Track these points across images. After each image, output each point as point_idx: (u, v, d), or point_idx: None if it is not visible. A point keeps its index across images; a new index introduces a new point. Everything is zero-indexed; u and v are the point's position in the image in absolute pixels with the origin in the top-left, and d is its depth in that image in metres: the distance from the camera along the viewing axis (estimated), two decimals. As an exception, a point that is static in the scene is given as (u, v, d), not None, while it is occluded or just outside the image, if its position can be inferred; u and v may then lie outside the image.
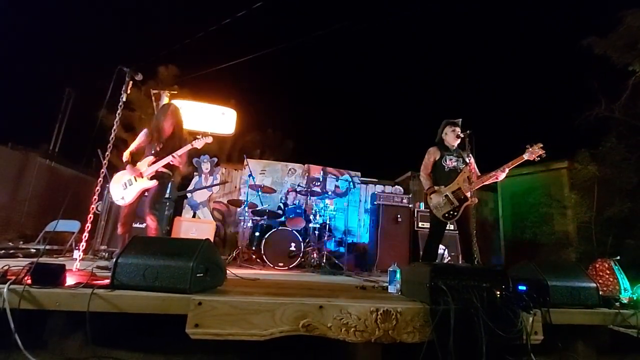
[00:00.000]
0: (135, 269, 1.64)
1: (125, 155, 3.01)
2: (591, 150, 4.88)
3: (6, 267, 1.65)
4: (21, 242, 4.23)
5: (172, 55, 7.98)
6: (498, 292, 1.76)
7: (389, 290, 2.34)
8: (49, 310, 1.50)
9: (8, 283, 1.48)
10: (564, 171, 5.11)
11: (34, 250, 3.59)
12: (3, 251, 3.30)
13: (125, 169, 2.96)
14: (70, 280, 1.68)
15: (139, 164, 3.00)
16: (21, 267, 1.61)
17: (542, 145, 2.96)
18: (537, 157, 2.95)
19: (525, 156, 2.97)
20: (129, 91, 2.87)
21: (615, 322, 1.96)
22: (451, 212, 3.03)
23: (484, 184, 3.14)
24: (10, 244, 3.99)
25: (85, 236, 2.65)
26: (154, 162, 2.96)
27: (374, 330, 1.62)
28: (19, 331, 1.39)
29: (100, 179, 2.81)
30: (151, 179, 2.95)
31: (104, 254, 4.09)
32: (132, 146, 3.06)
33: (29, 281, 1.55)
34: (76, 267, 2.32)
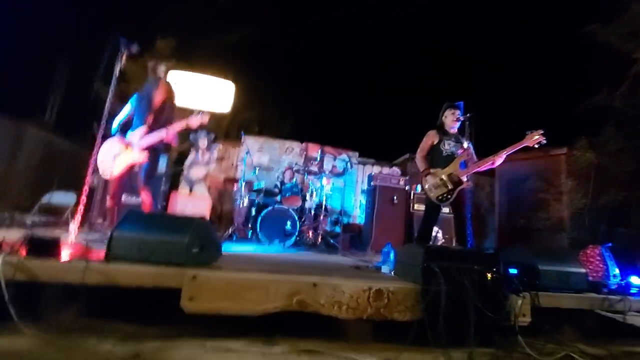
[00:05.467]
0: (130, 242, 1.64)
1: (115, 124, 2.89)
2: (590, 138, 4.86)
3: (1, 239, 1.65)
4: (17, 214, 4.23)
5: (170, 28, 7.72)
6: (489, 275, 1.79)
7: (382, 271, 2.38)
8: (44, 282, 1.51)
9: (3, 254, 1.48)
10: (562, 157, 5.09)
11: (30, 222, 3.60)
12: (-1, 222, 3.30)
13: (114, 138, 2.83)
14: (65, 252, 1.68)
15: (129, 133, 2.89)
16: (16, 239, 1.61)
17: (542, 132, 2.89)
18: (537, 144, 2.90)
19: (525, 142, 2.92)
20: (123, 62, 2.77)
21: (603, 307, 2.01)
22: (445, 195, 3.03)
23: (480, 169, 3.13)
24: (5, 214, 3.99)
25: (80, 209, 2.63)
26: (145, 134, 2.84)
27: (365, 308, 1.65)
28: (13, 303, 1.39)
29: (95, 151, 2.75)
30: (142, 151, 2.84)
31: (99, 227, 4.10)
32: (123, 116, 2.95)
33: (24, 253, 1.56)
34: (71, 239, 2.33)
